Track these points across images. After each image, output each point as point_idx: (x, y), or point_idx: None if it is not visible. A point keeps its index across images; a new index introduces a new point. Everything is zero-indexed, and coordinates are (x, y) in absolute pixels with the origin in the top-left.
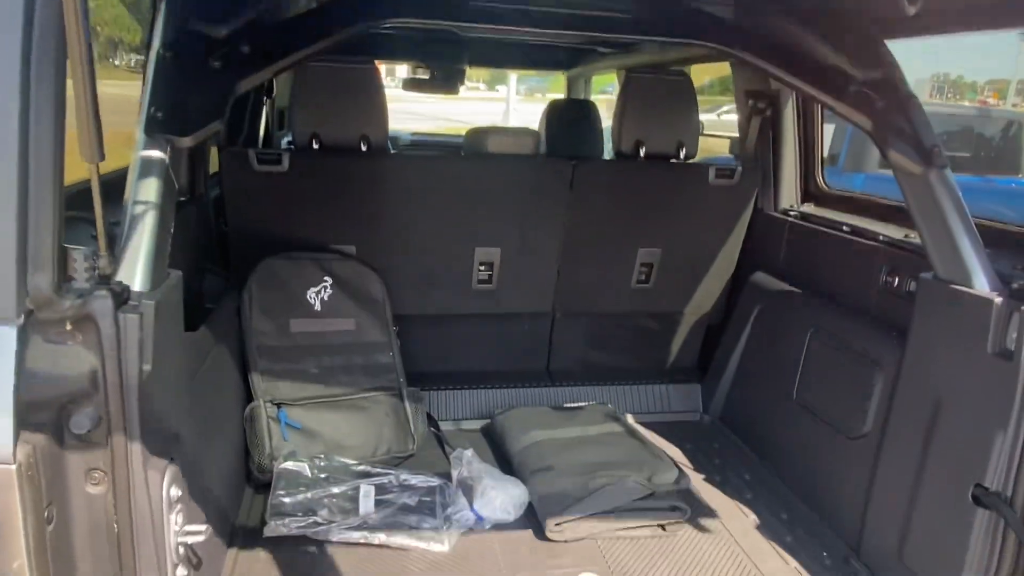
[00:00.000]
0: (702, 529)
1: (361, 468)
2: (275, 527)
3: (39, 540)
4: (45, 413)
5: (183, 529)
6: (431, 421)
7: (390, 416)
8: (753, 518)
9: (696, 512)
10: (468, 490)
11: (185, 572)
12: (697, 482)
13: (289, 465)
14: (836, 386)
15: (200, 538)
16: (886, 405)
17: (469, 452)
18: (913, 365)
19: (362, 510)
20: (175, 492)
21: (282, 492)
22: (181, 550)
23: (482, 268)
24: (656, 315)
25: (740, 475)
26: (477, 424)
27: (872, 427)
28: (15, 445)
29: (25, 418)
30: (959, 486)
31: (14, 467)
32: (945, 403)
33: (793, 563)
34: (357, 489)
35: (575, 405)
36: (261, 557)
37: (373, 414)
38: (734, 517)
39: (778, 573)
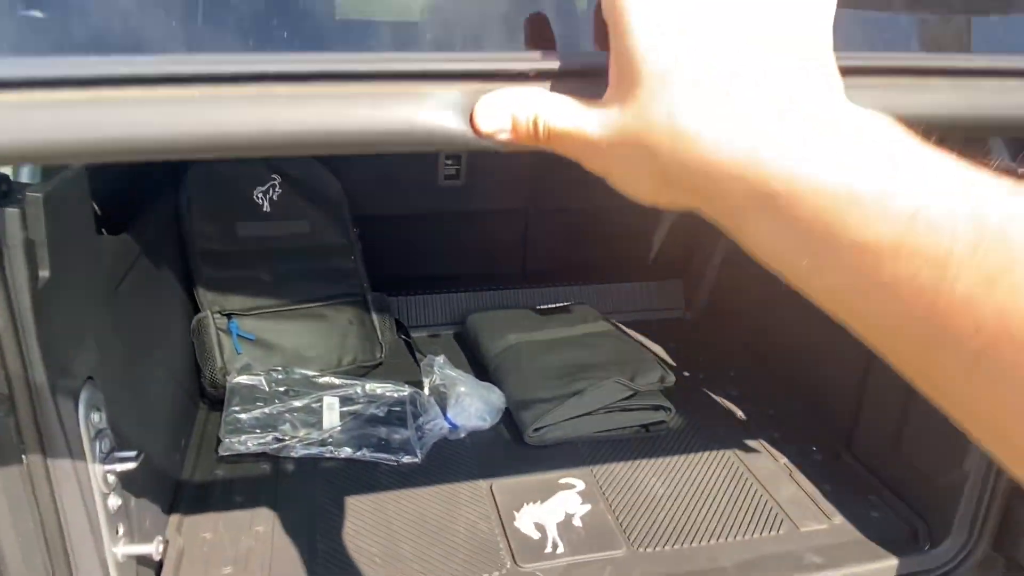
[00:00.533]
0: (687, 429)
1: (324, 379)
2: (230, 445)
3: None
4: None
5: (112, 455)
6: (400, 328)
7: (354, 324)
8: (740, 415)
9: (680, 412)
10: (441, 398)
11: (119, 502)
12: (681, 381)
13: (243, 379)
14: None
15: (130, 465)
16: None
17: (441, 358)
18: None
19: (326, 423)
20: (96, 417)
21: (237, 408)
22: (111, 478)
23: (449, 163)
24: (635, 208)
25: (725, 372)
26: (450, 330)
27: None
28: None
29: None
30: None
31: None
32: None
33: (782, 460)
34: (320, 401)
35: (554, 306)
36: (217, 478)
37: (335, 323)
38: (720, 415)
39: (766, 471)
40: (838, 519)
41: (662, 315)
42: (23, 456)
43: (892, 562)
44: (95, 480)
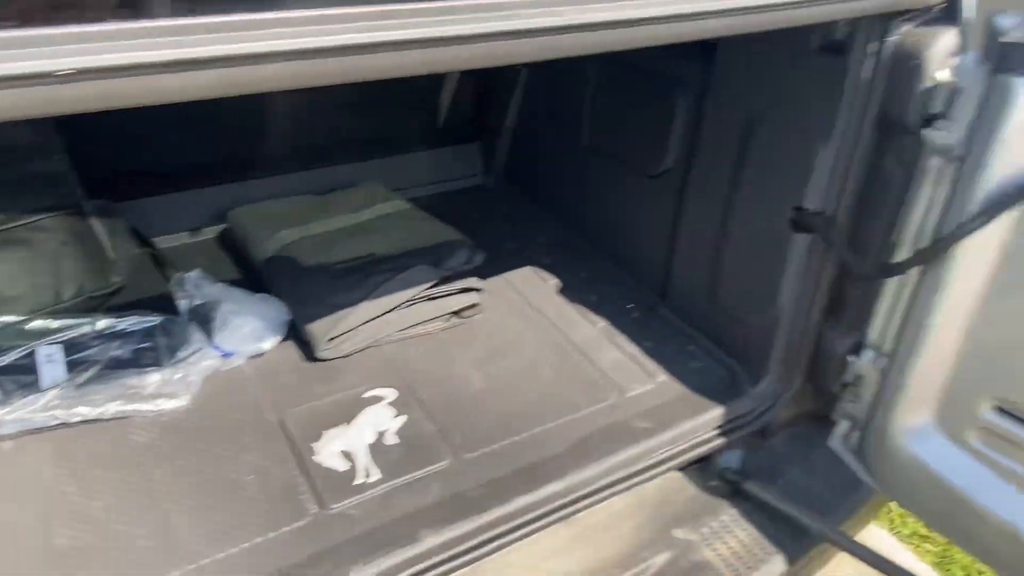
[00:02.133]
0: (501, 306)
1: (36, 324)
2: None
3: None
4: None
5: None
6: (140, 240)
7: (71, 244)
8: (554, 282)
9: (492, 289)
10: (204, 322)
11: None
12: (490, 255)
13: None
14: (631, 119)
15: None
16: (690, 133)
17: (195, 273)
18: (723, 78)
19: (46, 381)
20: None
21: None
22: None
23: None
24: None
25: (533, 239)
26: (211, 232)
27: (675, 160)
28: None
29: None
30: (775, 211)
31: None
32: (758, 122)
33: (601, 323)
34: (32, 355)
35: (338, 191)
36: None
37: (42, 247)
38: (533, 286)
39: (587, 338)
40: (662, 376)
41: (460, 184)
42: None
43: (717, 411)
44: None
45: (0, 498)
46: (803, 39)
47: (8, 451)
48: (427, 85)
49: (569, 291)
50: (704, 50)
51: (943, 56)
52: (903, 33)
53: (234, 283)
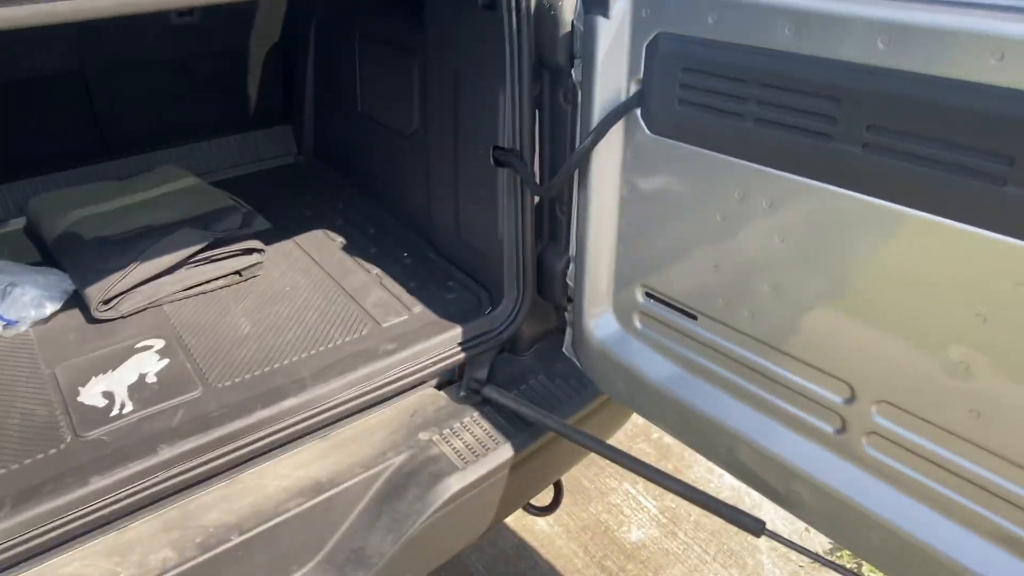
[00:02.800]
0: (283, 265)
1: None
2: None
3: None
4: None
5: None
6: None
7: None
8: (340, 240)
9: (279, 251)
10: None
11: None
12: (290, 222)
13: None
14: (386, 86)
15: None
16: (423, 94)
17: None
18: (432, 41)
19: None
20: None
21: None
22: None
23: None
24: (219, 53)
25: (334, 206)
26: (19, 223)
27: (419, 121)
28: None
29: None
30: (484, 151)
31: None
32: (460, 75)
33: (375, 271)
34: None
35: (139, 175)
36: None
37: None
38: (321, 245)
39: (358, 283)
40: (418, 308)
41: (275, 163)
42: None
43: (459, 330)
44: None
45: None
46: None
47: None
48: (233, 72)
49: (352, 247)
50: (418, 12)
51: (574, 5)
52: None
53: (27, 265)
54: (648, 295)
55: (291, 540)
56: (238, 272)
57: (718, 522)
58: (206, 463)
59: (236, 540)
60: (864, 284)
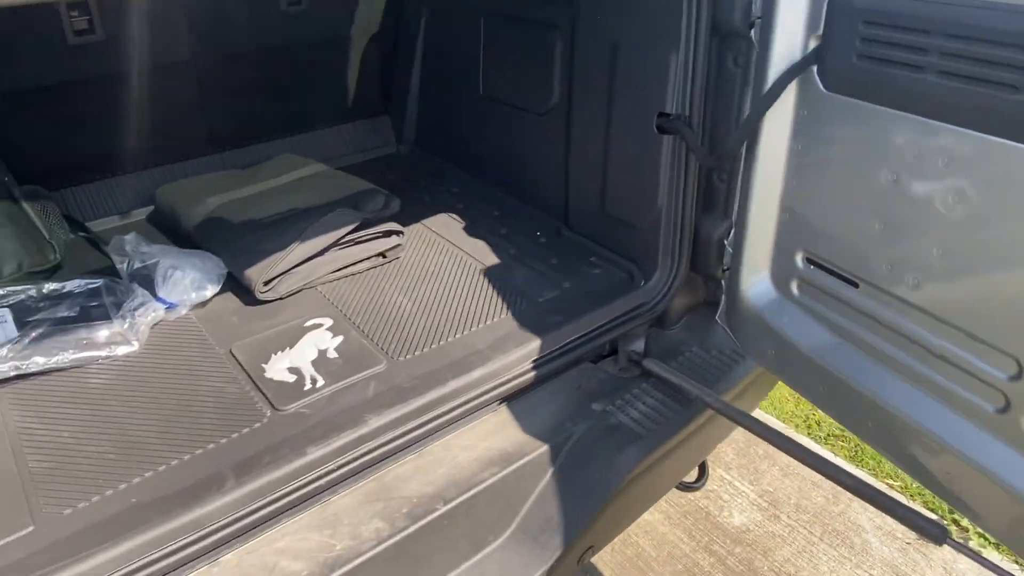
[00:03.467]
0: (421, 246)
1: None
2: None
3: None
4: None
5: None
6: (73, 224)
7: (6, 226)
8: (467, 222)
9: (412, 233)
10: (145, 280)
11: None
12: (407, 209)
13: None
14: (518, 66)
15: None
16: (568, 69)
17: (130, 236)
18: (586, 14)
19: (0, 338)
20: None
21: None
22: None
23: (75, 14)
24: (321, 44)
25: (448, 190)
26: (140, 215)
27: (559, 97)
28: None
29: None
30: (644, 121)
31: None
32: (621, 45)
33: (512, 250)
34: None
35: (258, 164)
36: None
37: None
38: (449, 226)
39: (500, 262)
40: (568, 283)
41: (375, 153)
42: None
43: (617, 304)
44: None
45: None
46: None
47: None
48: (334, 62)
49: (482, 228)
50: None
51: None
52: None
53: (181, 249)
54: (809, 261)
55: (487, 509)
56: (382, 253)
57: (819, 503)
58: (403, 434)
59: (442, 509)
60: None
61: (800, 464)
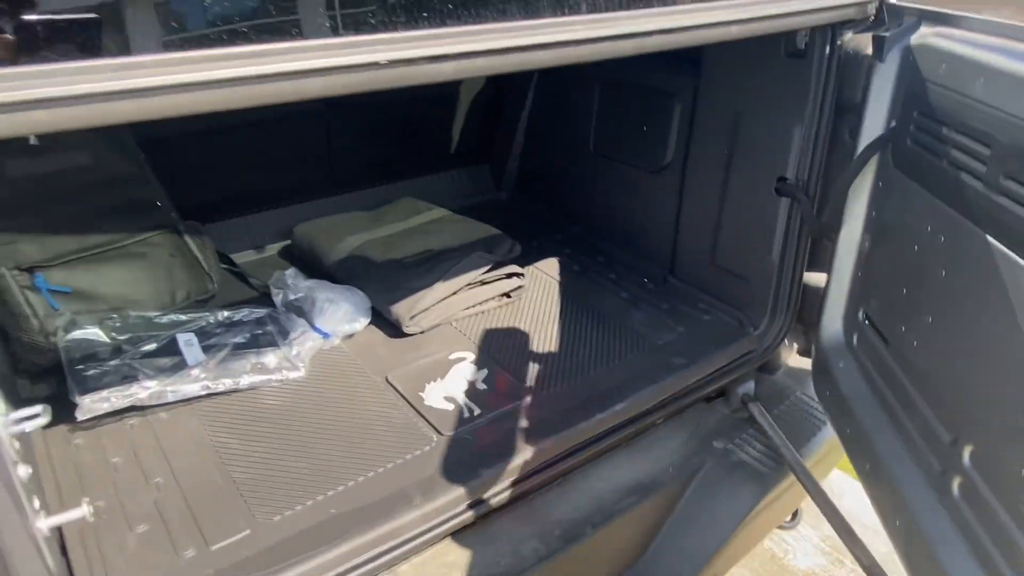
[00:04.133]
0: (538, 288)
1: (167, 318)
2: (91, 406)
3: None
4: None
5: (12, 418)
6: (221, 256)
7: (176, 257)
8: (577, 267)
9: (528, 275)
10: (302, 312)
11: (26, 471)
12: (523, 251)
13: (77, 335)
14: (633, 128)
15: (40, 420)
16: (686, 132)
17: (291, 271)
18: (710, 85)
19: (191, 360)
20: None
21: (81, 366)
22: (16, 444)
23: None
24: (432, 99)
25: (552, 238)
26: (272, 249)
27: (673, 156)
28: None
29: None
30: (763, 183)
31: None
32: (744, 114)
33: (623, 294)
34: (174, 341)
35: (383, 207)
36: (80, 446)
37: (156, 258)
38: (563, 271)
39: (614, 306)
40: (681, 327)
41: (477, 200)
42: None
43: (730, 348)
44: (5, 446)
45: (176, 452)
46: (772, 49)
47: (167, 420)
48: (441, 115)
49: (591, 273)
50: (692, 65)
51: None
52: (847, 39)
53: (333, 284)
54: (865, 316)
55: (625, 535)
56: (507, 294)
57: (883, 550)
58: (553, 462)
59: (590, 534)
60: (984, 332)
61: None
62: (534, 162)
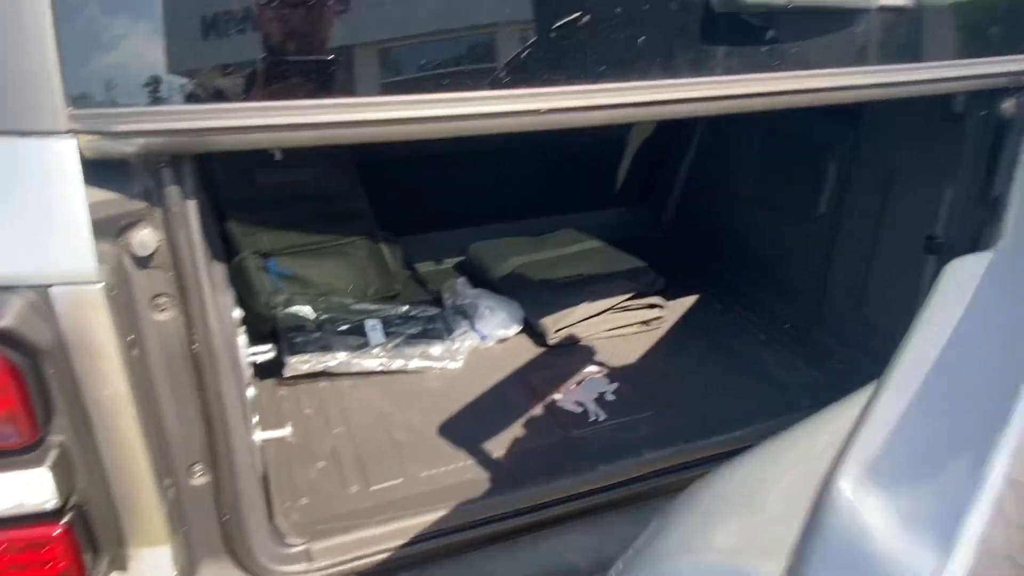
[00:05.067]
0: (679, 320)
1: (360, 306)
2: (295, 365)
3: (128, 365)
4: (111, 233)
5: (249, 351)
6: (406, 263)
7: (372, 259)
8: (719, 306)
9: (669, 307)
10: (466, 315)
11: (254, 392)
12: (668, 287)
13: (292, 310)
14: (789, 178)
15: (270, 355)
16: (840, 185)
17: (461, 280)
18: (867, 142)
19: (373, 341)
20: (238, 314)
21: (291, 334)
22: (249, 371)
23: None
24: (601, 144)
25: (698, 276)
26: (448, 263)
27: (826, 208)
28: (98, 264)
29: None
30: (912, 241)
31: (101, 286)
32: (898, 169)
33: (761, 336)
34: (362, 325)
35: (546, 235)
36: (283, 396)
37: (356, 259)
38: (703, 308)
39: (750, 346)
40: (816, 373)
41: (633, 236)
42: (193, 349)
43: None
44: (244, 371)
45: (353, 412)
46: (930, 109)
47: (349, 386)
48: (610, 159)
49: (732, 313)
50: (851, 118)
51: None
52: (1007, 104)
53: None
54: None
55: None
56: (646, 321)
57: None
58: (666, 472)
59: None
60: None
61: None
62: (691, 205)
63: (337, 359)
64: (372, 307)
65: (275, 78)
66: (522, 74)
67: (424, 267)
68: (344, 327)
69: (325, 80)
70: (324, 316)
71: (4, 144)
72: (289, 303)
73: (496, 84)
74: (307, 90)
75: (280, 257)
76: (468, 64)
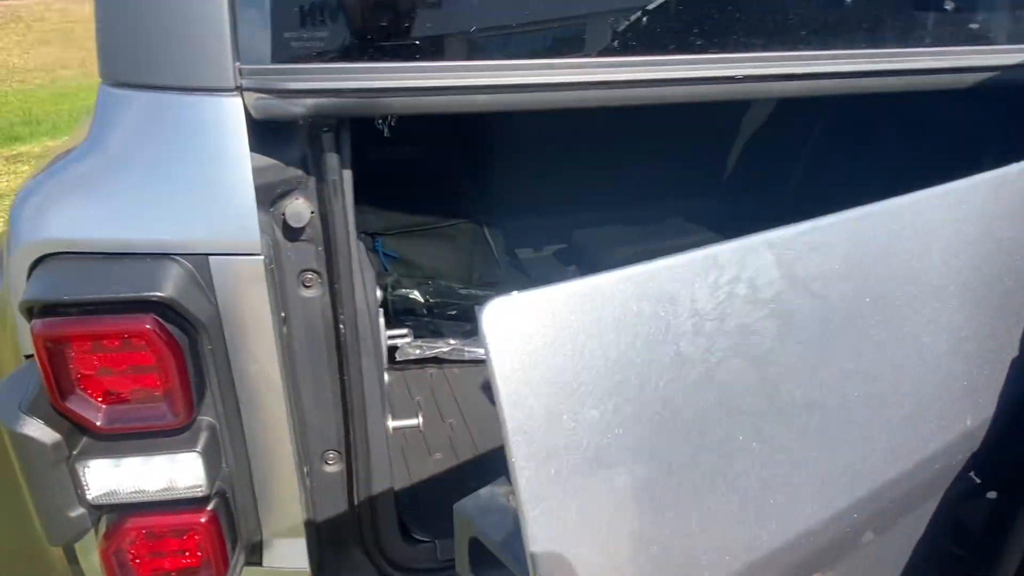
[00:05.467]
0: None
1: (466, 291)
2: (407, 350)
3: (279, 344)
4: (267, 202)
5: (387, 334)
6: (507, 250)
7: (477, 244)
8: None
9: None
10: None
11: (388, 379)
12: None
13: (401, 292)
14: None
15: (407, 338)
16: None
17: (572, 268)
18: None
19: None
20: (379, 295)
21: (403, 317)
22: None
23: None
24: (710, 128)
25: None
26: (548, 251)
27: None
28: (261, 236)
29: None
30: None
31: (262, 259)
32: None
33: None
34: (471, 311)
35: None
36: (392, 383)
37: (461, 242)
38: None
39: None
40: None
41: (748, 225)
42: (341, 327)
43: None
44: (383, 352)
45: (465, 401)
46: None
47: (458, 374)
48: (717, 146)
49: None
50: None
51: None
52: None
53: None
54: None
55: None
56: None
57: None
58: None
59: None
60: None
61: None
62: (807, 193)
63: (450, 344)
64: (480, 293)
65: (457, 40)
66: (717, 39)
67: (523, 254)
68: (453, 311)
69: (507, 43)
70: (432, 300)
71: (168, 101)
72: (397, 285)
73: (690, 49)
74: (488, 53)
75: (385, 238)
76: (662, 27)
